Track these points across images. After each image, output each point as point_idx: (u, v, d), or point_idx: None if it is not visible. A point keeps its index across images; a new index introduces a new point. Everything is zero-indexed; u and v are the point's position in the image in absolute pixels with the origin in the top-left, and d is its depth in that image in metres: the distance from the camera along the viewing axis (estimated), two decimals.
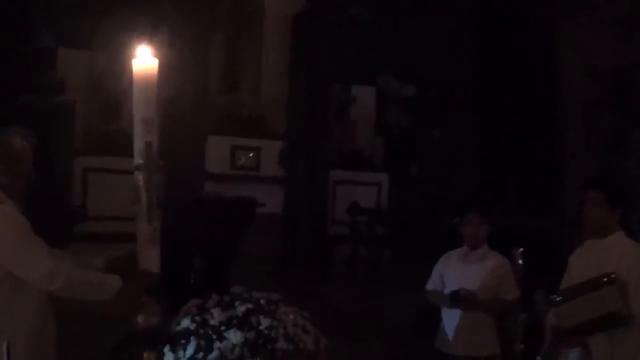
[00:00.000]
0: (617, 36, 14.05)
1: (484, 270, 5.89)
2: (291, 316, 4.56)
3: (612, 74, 14.25)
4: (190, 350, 4.36)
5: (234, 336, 4.34)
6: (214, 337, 4.36)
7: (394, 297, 10.31)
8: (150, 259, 3.75)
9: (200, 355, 4.32)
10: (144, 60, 3.77)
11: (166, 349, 4.18)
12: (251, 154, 14.19)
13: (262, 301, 4.70)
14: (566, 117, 14.69)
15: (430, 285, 6.11)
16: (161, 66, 3.83)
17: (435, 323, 6.09)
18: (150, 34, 10.33)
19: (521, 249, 6.35)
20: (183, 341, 4.42)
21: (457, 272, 6.00)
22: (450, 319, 5.92)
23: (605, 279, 4.47)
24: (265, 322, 4.48)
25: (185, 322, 4.51)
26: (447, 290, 6.02)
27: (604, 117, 14.33)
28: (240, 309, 4.55)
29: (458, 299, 5.83)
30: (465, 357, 5.81)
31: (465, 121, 15.46)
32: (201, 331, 4.42)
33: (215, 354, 4.30)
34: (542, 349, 5.37)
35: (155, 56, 3.82)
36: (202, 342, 4.37)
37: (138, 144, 3.79)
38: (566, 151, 14.55)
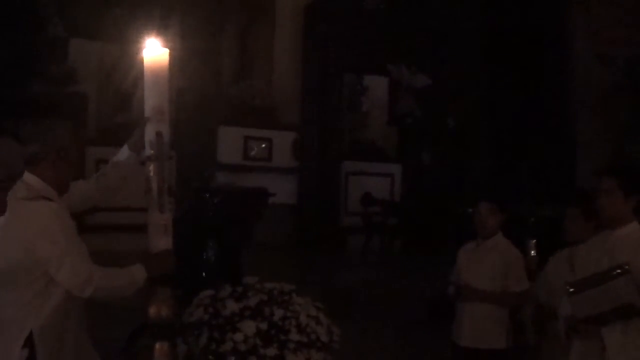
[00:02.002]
0: (630, 23, 13.98)
1: (491, 261, 5.84)
2: (304, 307, 4.55)
3: (625, 60, 14.19)
4: (203, 341, 4.37)
5: (247, 327, 4.35)
6: (227, 328, 4.37)
7: (406, 287, 10.31)
8: (162, 249, 3.74)
9: (213, 346, 4.32)
10: (155, 50, 3.76)
11: (179, 339, 4.17)
12: (263, 145, 14.19)
13: (274, 292, 4.70)
14: (579, 104, 14.63)
15: (452, 277, 6.09)
16: (172, 57, 3.82)
17: (449, 313, 6.07)
18: (161, 24, 10.33)
19: (535, 240, 6.32)
20: (196, 332, 4.43)
21: (468, 263, 5.98)
22: (461, 310, 5.91)
23: (619, 270, 4.43)
24: (278, 313, 4.47)
25: (198, 313, 4.51)
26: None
27: (617, 104, 14.27)
28: (253, 299, 4.55)
29: (454, 292, 5.86)
30: (473, 348, 5.79)
31: (477, 110, 15.41)
32: (214, 322, 4.43)
33: (228, 345, 4.30)
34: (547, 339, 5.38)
35: (167, 47, 3.81)
36: (215, 333, 4.37)
37: (149, 135, 3.78)
38: (579, 138, 14.51)
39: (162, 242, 3.70)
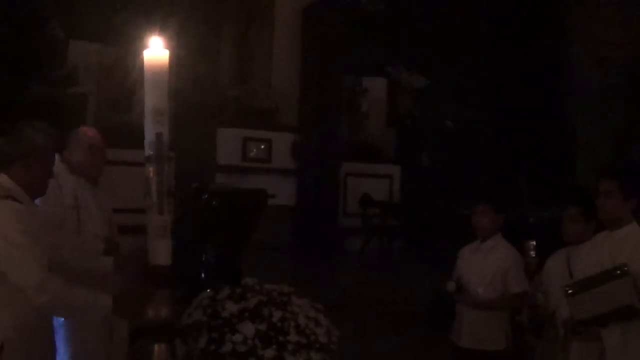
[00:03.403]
0: (628, 25, 14.00)
1: (489, 263, 5.84)
2: (303, 308, 4.53)
3: (623, 62, 14.20)
4: (202, 342, 4.36)
5: (246, 328, 4.33)
6: (226, 329, 4.35)
7: (405, 288, 10.30)
8: (161, 251, 3.72)
9: (212, 347, 4.31)
10: (155, 51, 3.76)
11: (177, 341, 4.16)
12: (262, 146, 14.18)
13: (274, 293, 4.69)
14: (578, 105, 14.64)
15: (453, 278, 6.09)
16: (172, 58, 3.81)
17: (448, 314, 6.07)
18: (161, 25, 10.31)
19: (533, 241, 6.32)
20: (195, 333, 4.42)
21: (467, 264, 5.98)
22: (460, 311, 5.91)
23: (618, 271, 4.44)
24: (277, 314, 4.46)
25: (197, 314, 4.50)
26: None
27: (616, 105, 14.28)
28: (252, 301, 4.54)
29: (454, 289, 5.85)
30: (473, 349, 5.79)
31: (476, 111, 15.41)
32: (213, 323, 4.42)
33: (227, 346, 4.29)
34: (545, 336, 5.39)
35: (167, 48, 3.80)
36: (214, 335, 4.36)
37: (149, 136, 3.77)
38: (578, 139, 14.51)
39: (161, 244, 3.69)
